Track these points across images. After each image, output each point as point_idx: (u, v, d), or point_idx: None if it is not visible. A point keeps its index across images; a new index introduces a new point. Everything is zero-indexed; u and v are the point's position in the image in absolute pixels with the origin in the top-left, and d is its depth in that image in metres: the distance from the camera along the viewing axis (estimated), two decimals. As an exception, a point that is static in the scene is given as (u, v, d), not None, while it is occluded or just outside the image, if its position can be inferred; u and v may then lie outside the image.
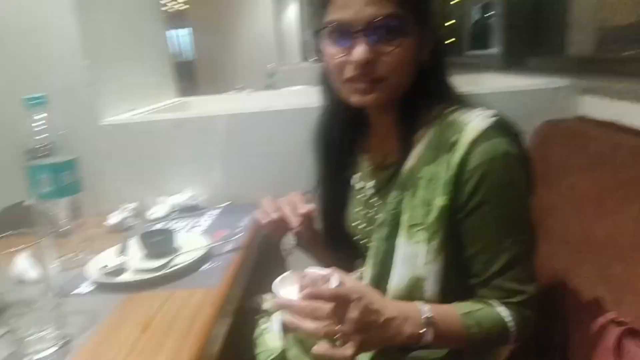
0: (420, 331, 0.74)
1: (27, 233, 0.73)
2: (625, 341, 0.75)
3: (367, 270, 0.91)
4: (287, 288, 0.79)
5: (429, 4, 0.85)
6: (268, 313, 1.06)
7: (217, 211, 1.40)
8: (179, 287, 0.92)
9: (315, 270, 0.81)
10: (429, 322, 0.75)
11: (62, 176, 1.03)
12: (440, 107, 0.86)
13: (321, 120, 1.03)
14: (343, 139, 1.01)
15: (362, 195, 0.99)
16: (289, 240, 0.95)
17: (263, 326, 1.03)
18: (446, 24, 3.73)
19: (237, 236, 1.16)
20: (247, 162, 1.47)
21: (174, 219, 1.36)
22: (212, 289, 0.91)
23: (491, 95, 1.37)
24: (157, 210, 1.38)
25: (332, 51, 0.83)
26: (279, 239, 1.04)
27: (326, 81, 0.93)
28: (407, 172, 0.85)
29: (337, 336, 0.71)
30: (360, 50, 0.78)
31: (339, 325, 0.70)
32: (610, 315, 0.80)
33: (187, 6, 5.83)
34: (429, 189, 0.82)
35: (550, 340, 1.00)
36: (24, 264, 0.69)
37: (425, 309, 0.76)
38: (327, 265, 0.84)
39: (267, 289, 1.10)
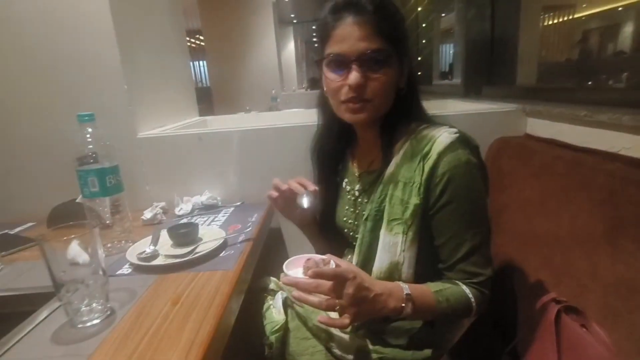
0: (402, 305, 0.77)
1: (79, 225, 0.73)
2: (563, 316, 0.76)
3: (354, 257, 0.92)
4: (293, 270, 0.81)
5: (407, 42, 0.87)
6: (273, 292, 1.07)
7: (231, 209, 1.40)
8: (201, 270, 0.93)
9: (316, 255, 0.82)
10: (409, 298, 0.77)
11: (107, 179, 1.03)
12: (415, 125, 0.89)
13: (318, 134, 1.04)
14: (335, 149, 1.03)
15: (350, 195, 1.01)
16: (303, 200, 0.93)
17: (269, 302, 1.04)
18: (418, 59, 3.78)
19: (248, 229, 1.17)
20: (255, 169, 1.48)
21: (196, 215, 1.36)
22: (228, 271, 0.91)
23: (455, 117, 1.39)
24: (183, 207, 1.38)
25: (331, 77, 0.85)
26: (289, 217, 1.05)
27: (323, 102, 0.96)
28: (388, 176, 0.88)
29: (336, 308, 0.73)
30: (354, 76, 0.81)
31: (338, 300, 0.72)
32: (551, 295, 0.82)
33: (205, 43, 5.81)
34: (405, 190, 0.84)
35: (501, 316, 1.01)
36: (76, 250, 0.70)
37: (405, 287, 0.79)
38: (322, 252, 0.85)
39: (273, 272, 1.12)
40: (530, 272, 0.98)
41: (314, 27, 11.71)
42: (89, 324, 0.72)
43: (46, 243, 0.67)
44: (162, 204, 1.40)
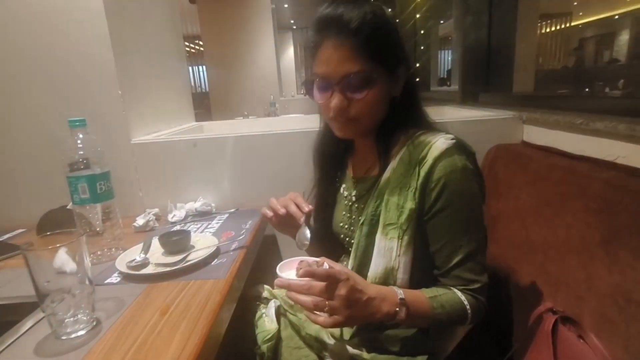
0: (395, 309, 0.76)
1: (67, 232, 0.72)
2: (560, 327, 0.75)
3: (350, 262, 0.91)
4: (287, 272, 0.79)
5: (397, 53, 0.84)
6: (266, 300, 1.06)
7: (225, 216, 1.39)
8: (192, 279, 0.91)
9: (310, 258, 0.82)
10: (403, 303, 0.76)
11: (98, 185, 1.02)
12: (412, 131, 0.88)
13: (318, 140, 1.04)
14: (334, 154, 1.03)
15: (347, 201, 1.00)
16: (305, 235, 0.94)
17: (261, 311, 1.03)
18: (417, 65, 3.79)
19: (241, 237, 1.15)
20: (250, 176, 1.47)
21: (189, 222, 1.34)
22: (220, 280, 0.90)
23: (452, 123, 1.38)
24: (176, 214, 1.37)
25: (318, 96, 0.86)
26: (283, 231, 1.03)
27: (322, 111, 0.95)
28: (384, 182, 0.87)
29: (325, 310, 0.72)
30: (335, 100, 0.81)
31: (328, 300, 0.71)
32: (547, 304, 0.81)
33: (203, 48, 5.82)
34: (401, 195, 0.83)
35: (497, 325, 1.00)
36: (64, 258, 0.68)
37: (400, 292, 0.78)
38: (317, 257, 0.84)
39: (266, 279, 1.11)
40: (525, 281, 0.97)
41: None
42: (73, 335, 0.70)
43: (30, 252, 0.66)
44: (155, 210, 1.38)
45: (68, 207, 1.13)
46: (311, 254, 1.09)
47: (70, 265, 0.69)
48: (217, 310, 0.77)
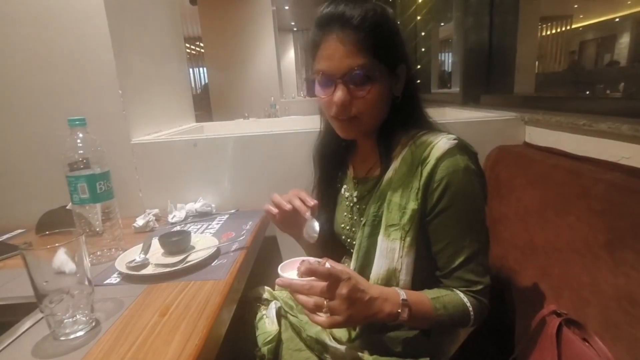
0: (398, 310, 0.75)
1: (66, 232, 0.71)
2: (564, 330, 0.74)
3: (352, 263, 0.90)
4: (288, 272, 0.79)
5: (399, 52, 0.84)
6: (267, 301, 1.05)
7: (225, 216, 1.38)
8: (192, 279, 0.90)
9: (312, 258, 0.81)
10: (405, 304, 0.75)
11: (97, 185, 1.01)
12: (414, 131, 0.87)
13: (319, 140, 1.03)
14: (335, 154, 1.02)
15: (348, 202, 0.99)
16: (313, 228, 0.92)
17: (262, 312, 1.02)
18: (417, 67, 3.79)
19: (242, 237, 1.14)
20: (250, 176, 1.46)
21: (190, 222, 1.34)
22: (220, 280, 0.89)
23: (454, 124, 1.36)
24: (176, 215, 1.36)
25: (320, 93, 0.85)
26: (285, 230, 1.02)
27: (323, 111, 0.94)
28: (386, 182, 0.86)
29: (324, 310, 0.71)
30: (338, 95, 0.80)
31: (328, 300, 0.71)
32: (551, 307, 0.80)
33: (204, 49, 5.83)
34: (403, 196, 0.82)
35: (499, 328, 0.99)
36: (63, 258, 0.67)
37: (402, 293, 0.77)
38: (318, 257, 0.83)
39: (267, 281, 1.10)
40: (528, 283, 0.96)
41: (312, 36, 11.73)
42: (72, 336, 0.70)
43: (29, 252, 0.65)
44: (155, 211, 1.38)
45: (67, 207, 1.12)
46: (312, 255, 1.08)
47: (69, 266, 0.68)
48: (217, 312, 0.76)
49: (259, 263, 1.17)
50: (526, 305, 0.94)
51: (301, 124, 1.79)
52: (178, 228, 1.27)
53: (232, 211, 1.43)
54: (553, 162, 1.06)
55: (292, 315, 0.99)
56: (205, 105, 5.96)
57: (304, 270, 0.71)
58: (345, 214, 0.99)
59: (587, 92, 1.81)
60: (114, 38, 1.32)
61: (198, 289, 0.85)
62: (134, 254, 1.00)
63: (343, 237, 1.00)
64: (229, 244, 1.09)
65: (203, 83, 8.94)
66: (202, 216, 1.39)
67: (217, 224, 1.30)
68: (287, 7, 8.36)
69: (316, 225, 0.92)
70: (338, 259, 1.04)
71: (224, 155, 1.44)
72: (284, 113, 5.11)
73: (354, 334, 0.91)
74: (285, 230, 1.02)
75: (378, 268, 0.84)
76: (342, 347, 0.88)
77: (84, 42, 1.32)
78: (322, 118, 0.99)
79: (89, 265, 0.72)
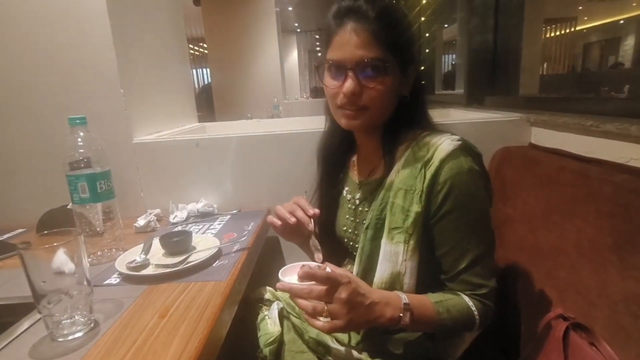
0: (400, 314, 0.74)
1: (66, 232, 0.70)
2: (571, 334, 0.73)
3: (355, 267, 0.89)
4: (289, 276, 0.78)
5: (410, 51, 0.85)
6: (269, 302, 1.04)
7: (227, 217, 1.37)
8: (193, 280, 0.89)
9: (313, 263, 0.80)
10: (407, 308, 0.74)
11: (98, 184, 1.00)
12: (417, 132, 0.86)
13: (322, 140, 1.02)
14: (337, 155, 1.01)
15: (350, 204, 0.98)
16: (315, 241, 0.93)
17: (264, 313, 1.01)
18: (421, 68, 3.78)
19: (243, 238, 1.13)
20: (253, 177, 1.46)
21: (191, 223, 1.33)
22: (221, 282, 0.88)
23: (459, 125, 1.36)
24: (178, 215, 1.35)
25: (329, 83, 0.84)
26: (289, 239, 1.01)
27: (328, 108, 0.93)
28: (389, 184, 0.85)
29: (324, 314, 0.70)
30: (349, 84, 0.79)
31: (328, 304, 0.70)
32: (558, 310, 0.78)
33: (208, 50, 5.83)
34: (406, 198, 0.81)
35: (504, 332, 0.98)
36: (62, 258, 0.66)
37: (404, 297, 0.76)
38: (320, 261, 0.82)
39: (269, 282, 1.09)
40: (534, 286, 0.94)
41: (317, 37, 11.79)
42: (70, 337, 0.68)
43: (27, 252, 0.64)
44: (157, 211, 1.37)
45: (69, 206, 1.11)
46: (314, 257, 1.07)
47: (68, 266, 0.68)
48: (217, 313, 0.75)
49: (261, 264, 1.16)
50: (532, 309, 0.93)
51: (304, 124, 1.78)
52: (179, 228, 1.26)
53: (234, 211, 1.41)
54: (560, 164, 1.04)
55: (295, 317, 0.98)
56: (205, 105, 5.96)
57: (302, 275, 0.71)
58: (347, 216, 0.98)
59: (592, 94, 1.80)
60: (116, 37, 1.32)
61: (199, 290, 0.84)
62: (135, 254, 0.99)
63: (345, 239, 0.99)
64: (230, 244, 1.08)
65: (202, 84, 8.96)
66: (204, 216, 1.38)
67: (219, 224, 1.29)
68: (290, 8, 8.37)
69: (316, 242, 0.93)
70: (340, 262, 1.02)
71: (226, 155, 1.44)
72: (287, 114, 5.11)
73: (356, 336, 0.90)
74: (289, 240, 1.01)
75: (381, 272, 0.83)
76: (345, 350, 0.87)
77: (86, 40, 1.31)
78: (327, 117, 0.98)
79: (88, 265, 0.71)
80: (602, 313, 0.74)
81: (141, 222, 1.26)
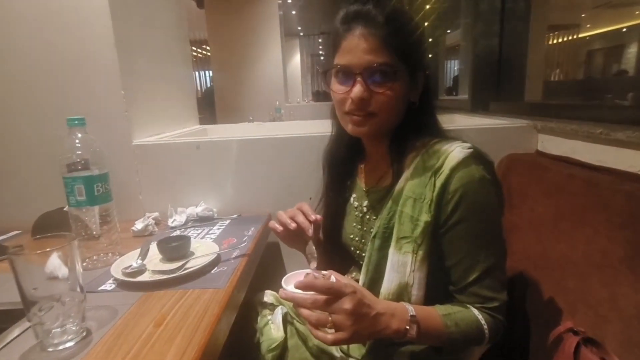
0: (406, 327, 0.71)
1: (61, 236, 0.68)
2: (582, 349, 0.70)
3: (361, 277, 0.87)
4: (292, 285, 0.75)
5: (418, 56, 0.83)
6: (272, 306, 1.02)
7: (227, 222, 1.34)
8: (191, 287, 0.86)
9: (317, 271, 0.77)
10: (414, 320, 0.72)
11: (95, 187, 0.98)
12: (427, 139, 0.84)
13: (329, 145, 1.00)
14: (344, 162, 0.99)
15: (357, 212, 0.95)
16: (311, 248, 0.90)
17: (267, 317, 0.99)
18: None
19: (243, 244, 1.11)
20: (254, 181, 1.43)
21: (190, 227, 1.30)
22: (220, 289, 0.85)
23: (464, 131, 1.33)
24: (177, 219, 1.33)
25: (337, 88, 0.82)
26: (292, 245, 0.99)
27: (335, 113, 0.91)
28: (397, 192, 0.83)
29: (329, 325, 0.68)
30: (357, 89, 0.78)
31: (332, 315, 0.67)
32: (568, 324, 0.76)
33: (210, 53, 5.83)
34: (415, 207, 0.79)
35: (511, 344, 0.95)
36: (56, 263, 0.64)
37: (410, 309, 0.73)
38: (324, 270, 0.79)
39: (269, 288, 1.06)
40: (542, 298, 0.92)
41: (320, 41, 11.81)
42: (61, 347, 0.66)
43: (18, 257, 0.62)
44: (155, 214, 1.35)
45: (65, 209, 1.09)
46: (319, 267, 1.04)
47: (62, 271, 0.65)
48: (215, 322, 0.73)
49: (262, 270, 1.14)
50: (540, 321, 0.90)
51: (307, 128, 1.75)
52: (178, 232, 1.24)
53: (234, 216, 1.39)
54: (568, 172, 1.02)
55: (299, 322, 0.96)
56: (207, 108, 5.96)
57: (299, 285, 0.68)
58: (354, 224, 0.96)
59: (596, 101, 1.78)
60: (117, 38, 1.30)
61: (196, 298, 0.82)
62: (131, 259, 0.97)
63: (352, 248, 0.97)
64: (229, 250, 1.06)
65: (206, 86, 8.94)
66: (203, 221, 1.35)
67: (219, 229, 1.27)
68: (294, 12, 8.38)
69: (313, 249, 0.90)
70: (346, 271, 1.00)
71: (227, 158, 1.41)
72: (289, 118, 5.10)
73: (362, 348, 0.87)
74: (292, 246, 0.99)
75: (389, 282, 0.80)
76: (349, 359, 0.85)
77: (87, 41, 1.29)
78: (334, 122, 0.96)
79: (82, 271, 0.69)
80: (614, 327, 0.72)
81: (139, 225, 1.23)
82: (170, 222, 1.32)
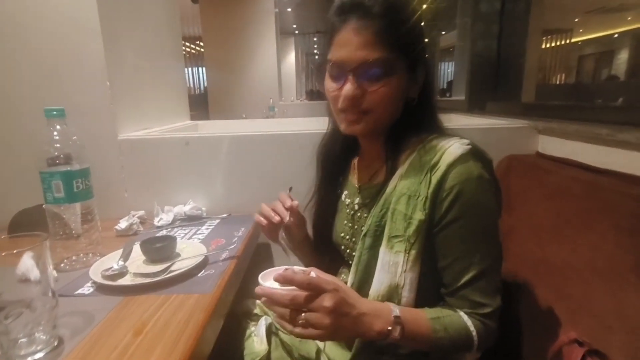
0: (389, 328, 0.67)
1: (36, 235, 0.62)
2: (588, 360, 0.66)
3: (350, 277, 0.82)
4: (270, 281, 0.70)
5: (419, 49, 0.78)
6: (256, 317, 0.97)
7: (216, 221, 1.29)
8: (175, 292, 0.81)
9: (297, 267, 0.72)
10: (397, 322, 0.68)
11: (74, 183, 0.92)
12: (424, 135, 0.80)
13: (323, 141, 0.97)
14: (338, 157, 0.96)
15: (349, 209, 0.91)
16: (282, 233, 0.89)
17: (250, 329, 0.94)
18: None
19: (232, 246, 1.06)
20: (245, 179, 1.38)
21: (177, 227, 1.24)
22: (206, 294, 0.80)
23: (462, 131, 1.30)
24: (163, 217, 1.27)
25: (329, 85, 0.79)
26: (276, 241, 0.96)
27: (331, 111, 0.87)
28: (391, 189, 0.79)
29: (300, 322, 0.64)
30: (348, 87, 0.74)
31: (309, 312, 0.64)
32: (571, 335, 0.72)
33: (204, 49, 5.77)
34: (409, 204, 0.75)
35: (509, 354, 0.91)
36: (29, 264, 0.58)
37: (395, 309, 0.69)
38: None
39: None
40: (542, 305, 0.88)
41: (315, 39, 11.77)
42: (28, 358, 0.60)
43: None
44: (141, 212, 1.29)
45: (44, 205, 1.03)
46: (309, 265, 1.00)
47: (34, 273, 0.59)
48: (200, 332, 0.67)
49: (250, 273, 1.08)
50: (540, 330, 0.86)
51: (301, 125, 1.71)
52: (164, 232, 1.18)
53: (224, 215, 1.34)
54: (571, 174, 0.98)
55: (284, 333, 0.90)
56: (204, 105, 5.90)
57: (278, 277, 0.65)
58: (345, 222, 0.91)
59: (602, 101, 1.79)
60: (104, 27, 1.24)
61: (180, 304, 0.76)
62: (112, 260, 0.91)
63: (342, 247, 0.92)
64: (218, 252, 1.00)
65: (197, 83, 8.87)
66: (191, 220, 1.30)
67: (207, 229, 1.22)
68: (289, 10, 8.32)
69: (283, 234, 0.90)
70: (336, 272, 0.95)
71: (218, 155, 1.36)
72: (283, 116, 5.05)
73: (349, 355, 0.82)
74: (277, 242, 0.95)
75: (379, 283, 0.76)
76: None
77: (70, 28, 1.23)
78: (330, 119, 0.92)
79: (55, 274, 0.63)
80: (620, 338, 0.68)
81: (123, 224, 1.17)
82: (156, 221, 1.26)
